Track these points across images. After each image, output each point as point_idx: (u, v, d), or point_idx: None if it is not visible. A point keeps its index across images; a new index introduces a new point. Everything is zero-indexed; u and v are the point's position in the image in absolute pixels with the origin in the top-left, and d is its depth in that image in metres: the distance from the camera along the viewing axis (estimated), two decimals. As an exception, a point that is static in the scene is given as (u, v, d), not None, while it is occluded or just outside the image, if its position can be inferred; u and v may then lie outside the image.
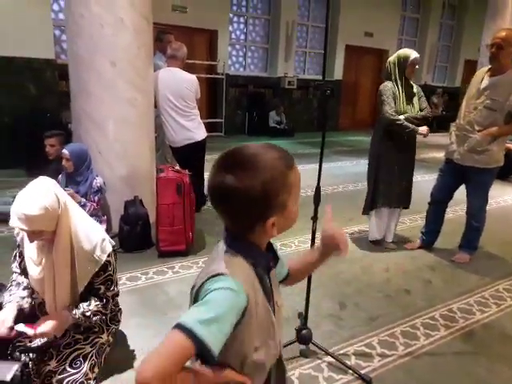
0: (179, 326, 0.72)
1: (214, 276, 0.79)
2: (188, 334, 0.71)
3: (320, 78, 10.36)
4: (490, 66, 3.03)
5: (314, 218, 2.11)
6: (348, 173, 6.06)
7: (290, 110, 9.67)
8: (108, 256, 1.62)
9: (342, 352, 2.10)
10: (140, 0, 3.21)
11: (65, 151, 2.89)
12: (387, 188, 3.27)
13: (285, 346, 1.99)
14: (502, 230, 3.95)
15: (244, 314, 0.78)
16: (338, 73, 10.42)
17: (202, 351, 0.72)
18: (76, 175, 2.95)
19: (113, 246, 1.68)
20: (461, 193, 3.26)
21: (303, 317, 2.09)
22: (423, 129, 3.18)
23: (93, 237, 1.60)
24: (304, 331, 2.02)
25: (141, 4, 3.22)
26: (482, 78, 3.05)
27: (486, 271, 3.12)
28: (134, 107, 3.29)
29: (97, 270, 1.59)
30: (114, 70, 3.16)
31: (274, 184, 0.80)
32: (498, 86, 2.93)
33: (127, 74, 3.22)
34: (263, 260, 0.88)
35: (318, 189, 2.12)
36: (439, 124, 9.81)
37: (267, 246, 0.91)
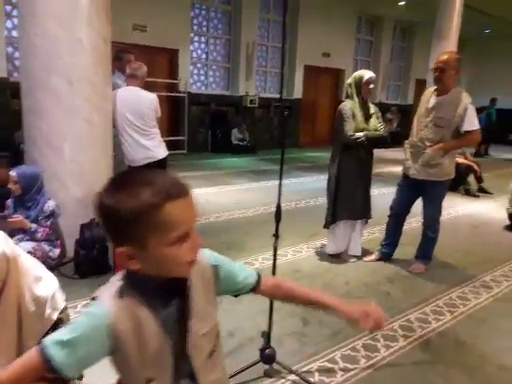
0: (40, 343, 0.79)
1: (91, 299, 0.84)
2: (41, 352, 0.77)
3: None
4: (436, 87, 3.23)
5: (276, 236, 2.14)
6: (309, 188, 6.18)
7: (253, 127, 9.81)
8: (60, 313, 1.48)
9: (305, 369, 2.10)
10: (98, 20, 3.19)
11: (12, 173, 2.77)
12: (347, 201, 3.38)
13: (248, 367, 1.98)
14: (453, 240, 4.15)
15: (116, 341, 0.80)
16: (297, 91, 10.72)
17: (52, 370, 0.77)
18: (26, 199, 2.81)
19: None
20: (416, 206, 3.42)
21: (266, 336, 2.09)
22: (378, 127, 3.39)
23: (42, 292, 1.45)
24: (267, 351, 2.02)
25: (99, 24, 3.20)
26: (429, 97, 3.25)
27: (440, 280, 3.25)
28: (91, 126, 3.23)
29: (47, 329, 1.44)
30: (70, 89, 3.09)
31: (132, 214, 0.73)
32: (443, 104, 3.13)
33: (84, 94, 3.16)
34: (152, 291, 0.82)
35: (278, 206, 2.15)
36: (394, 140, 10.22)
37: (180, 280, 0.84)
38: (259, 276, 1.04)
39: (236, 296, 1.04)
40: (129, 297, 0.81)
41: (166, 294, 0.85)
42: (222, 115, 9.41)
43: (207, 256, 0.94)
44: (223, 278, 0.96)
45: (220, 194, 5.65)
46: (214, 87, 9.73)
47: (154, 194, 0.73)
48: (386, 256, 3.58)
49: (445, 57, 3.12)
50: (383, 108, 9.14)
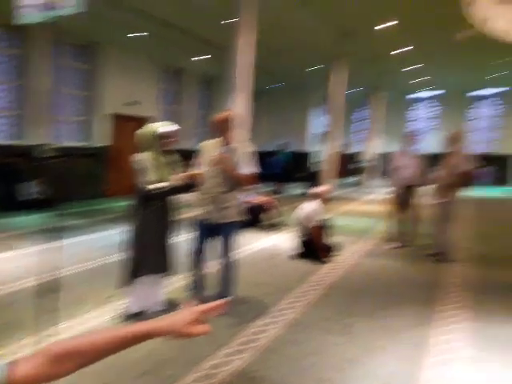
0: None
1: None
2: None
3: (83, 144, 9.93)
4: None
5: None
6: (112, 242, 5.71)
7: (50, 179, 8.78)
8: None
9: None
10: None
11: None
12: (150, 255, 3.28)
13: None
14: (251, 274, 4.49)
15: None
16: (103, 139, 10.30)
17: None
18: None
19: None
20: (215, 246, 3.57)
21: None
22: (177, 177, 3.36)
23: None
24: None
25: None
26: (214, 147, 3.53)
27: (240, 317, 3.40)
28: None
29: None
30: None
31: None
32: (228, 153, 3.45)
33: None
34: None
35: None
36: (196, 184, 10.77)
37: None
38: (6, 368, 0.75)
39: None
40: None
41: None
42: (9, 168, 8.14)
43: None
44: None
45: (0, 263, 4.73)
46: (1, 137, 8.45)
47: None
48: (199, 298, 3.56)
49: (216, 119, 3.57)
50: (187, 154, 9.56)
